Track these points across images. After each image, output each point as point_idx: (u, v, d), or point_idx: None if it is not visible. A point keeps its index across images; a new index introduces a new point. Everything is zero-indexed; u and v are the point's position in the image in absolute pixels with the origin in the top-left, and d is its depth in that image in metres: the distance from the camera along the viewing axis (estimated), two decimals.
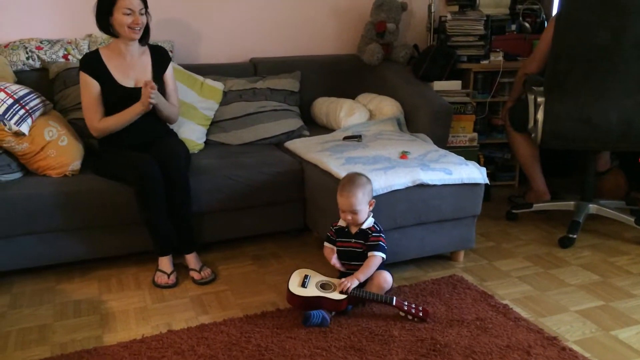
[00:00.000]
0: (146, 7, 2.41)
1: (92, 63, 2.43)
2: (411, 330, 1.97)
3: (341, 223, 2.18)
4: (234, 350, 1.86)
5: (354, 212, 2.09)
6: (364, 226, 2.13)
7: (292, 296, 2.03)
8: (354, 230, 2.15)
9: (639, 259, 2.57)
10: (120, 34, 2.39)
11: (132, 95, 2.43)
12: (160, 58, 2.58)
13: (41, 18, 2.94)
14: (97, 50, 2.48)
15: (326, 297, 2.01)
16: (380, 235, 2.13)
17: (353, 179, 2.11)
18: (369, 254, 2.10)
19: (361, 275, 2.07)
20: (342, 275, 2.16)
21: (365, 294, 2.03)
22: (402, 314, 2.04)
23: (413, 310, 2.02)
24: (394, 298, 2.03)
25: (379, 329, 1.97)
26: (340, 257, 2.18)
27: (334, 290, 2.05)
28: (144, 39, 2.49)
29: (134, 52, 2.48)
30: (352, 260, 2.15)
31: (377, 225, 2.15)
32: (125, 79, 2.45)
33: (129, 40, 2.42)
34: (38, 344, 1.94)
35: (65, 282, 2.39)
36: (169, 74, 2.60)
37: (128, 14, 2.33)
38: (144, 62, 2.52)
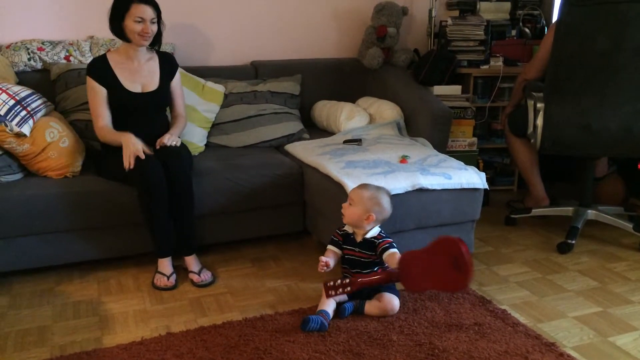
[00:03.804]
0: (159, 16, 2.42)
1: (99, 68, 2.44)
2: (410, 335, 1.97)
3: (347, 228, 2.17)
4: (233, 353, 1.87)
5: (351, 203, 2.08)
6: (369, 235, 2.10)
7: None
8: (358, 238, 2.13)
9: (637, 265, 2.58)
10: (130, 40, 2.41)
11: (139, 100, 2.46)
12: (169, 65, 2.59)
13: (43, 19, 2.94)
14: (104, 55, 2.49)
15: None
16: (389, 238, 2.11)
17: (367, 184, 2.13)
18: (388, 253, 2.05)
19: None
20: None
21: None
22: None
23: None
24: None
25: (378, 334, 1.98)
26: (343, 263, 2.17)
27: None
28: (155, 45, 2.51)
29: (141, 57, 2.50)
30: (355, 267, 2.13)
31: (383, 233, 2.13)
32: (132, 84, 2.46)
33: (137, 47, 2.43)
34: (37, 346, 1.95)
35: (64, 284, 2.39)
36: (177, 81, 2.62)
37: (139, 22, 2.35)
38: (151, 68, 2.53)
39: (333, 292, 1.97)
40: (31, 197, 2.28)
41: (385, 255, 2.07)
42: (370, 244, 2.10)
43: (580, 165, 2.91)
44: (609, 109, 2.55)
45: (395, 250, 2.07)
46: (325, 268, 2.09)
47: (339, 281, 1.96)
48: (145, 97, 2.48)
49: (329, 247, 2.19)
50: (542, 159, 3.09)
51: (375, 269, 2.12)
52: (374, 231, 2.12)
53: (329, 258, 2.12)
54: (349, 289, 1.96)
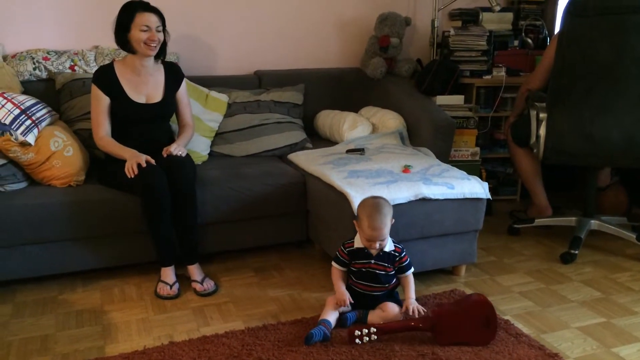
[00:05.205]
0: (164, 24, 2.44)
1: (105, 77, 2.45)
2: (413, 345, 1.97)
3: (357, 244, 2.10)
4: None
5: (383, 240, 2.04)
6: (387, 248, 2.08)
7: None
8: (374, 252, 2.08)
9: None
10: (136, 50, 2.42)
11: (142, 110, 2.47)
12: (174, 75, 2.61)
13: (48, 29, 2.97)
14: (111, 64, 2.50)
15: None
16: (407, 254, 2.11)
17: (380, 208, 2.02)
18: (407, 274, 2.12)
19: (413, 295, 2.09)
20: (357, 296, 2.13)
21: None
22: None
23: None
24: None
25: (381, 343, 1.97)
26: (357, 278, 2.12)
27: None
28: (160, 56, 2.53)
29: (148, 68, 2.50)
30: (371, 281, 2.10)
31: (398, 245, 2.12)
32: (137, 95, 2.48)
33: (144, 57, 2.44)
34: (40, 354, 1.95)
35: (67, 292, 2.40)
36: (183, 91, 2.63)
37: (145, 31, 2.36)
38: (157, 79, 2.54)
39: (360, 341, 1.97)
40: (35, 205, 2.29)
41: (402, 277, 2.12)
42: (389, 257, 2.09)
43: (583, 175, 2.91)
44: (611, 119, 2.55)
45: (410, 273, 2.11)
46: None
47: (365, 330, 1.97)
48: (149, 108, 2.49)
49: (337, 266, 2.14)
50: (545, 169, 3.10)
51: (393, 281, 2.13)
52: (390, 243, 2.10)
53: (344, 287, 2.11)
54: (375, 337, 1.97)
